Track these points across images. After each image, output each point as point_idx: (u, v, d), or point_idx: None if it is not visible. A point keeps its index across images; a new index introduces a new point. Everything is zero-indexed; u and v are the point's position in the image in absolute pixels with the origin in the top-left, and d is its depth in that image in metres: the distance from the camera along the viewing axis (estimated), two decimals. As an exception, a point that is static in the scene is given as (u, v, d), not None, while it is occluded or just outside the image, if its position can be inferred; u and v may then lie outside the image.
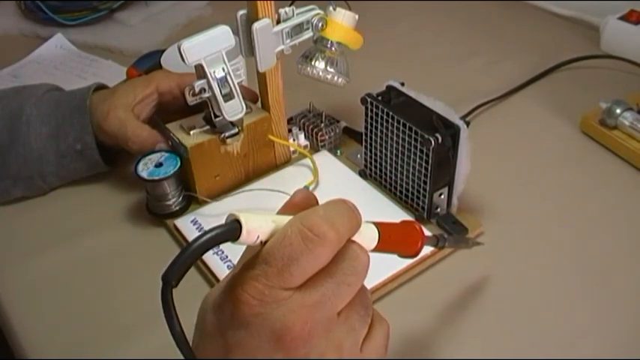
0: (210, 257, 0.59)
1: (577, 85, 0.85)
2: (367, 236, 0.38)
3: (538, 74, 0.87)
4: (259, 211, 0.35)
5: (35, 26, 1.02)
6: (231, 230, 0.32)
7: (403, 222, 0.41)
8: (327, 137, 0.71)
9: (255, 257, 0.34)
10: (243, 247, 0.58)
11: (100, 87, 0.70)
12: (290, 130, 0.71)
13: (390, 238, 0.39)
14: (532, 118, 0.80)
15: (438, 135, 0.57)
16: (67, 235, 0.64)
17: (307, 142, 0.71)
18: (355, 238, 0.36)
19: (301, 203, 0.38)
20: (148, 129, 0.65)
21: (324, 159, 0.70)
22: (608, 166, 0.71)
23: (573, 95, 0.83)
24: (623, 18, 0.90)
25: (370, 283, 0.55)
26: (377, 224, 0.39)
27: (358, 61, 0.70)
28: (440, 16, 1.04)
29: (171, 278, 0.31)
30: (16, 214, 0.68)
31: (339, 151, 0.72)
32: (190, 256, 0.32)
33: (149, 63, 0.86)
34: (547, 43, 0.95)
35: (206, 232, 0.32)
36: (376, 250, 0.38)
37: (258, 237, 0.33)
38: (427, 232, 0.42)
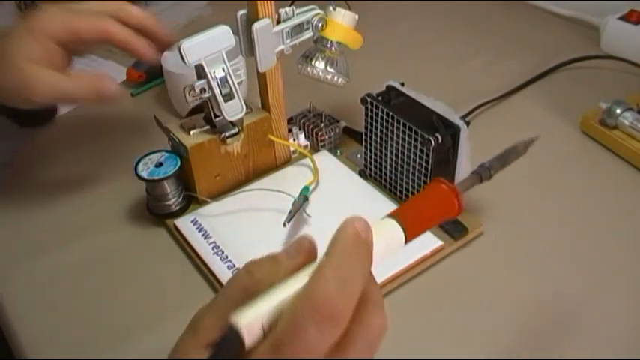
0: (210, 257, 0.59)
1: (577, 85, 0.85)
2: (392, 239, 0.34)
3: (538, 74, 0.87)
4: (259, 298, 0.32)
5: (35, 26, 1.02)
6: (234, 342, 0.30)
7: (429, 188, 0.37)
8: (327, 137, 0.71)
9: (265, 344, 0.30)
10: (245, 248, 0.59)
11: None
12: (290, 130, 0.71)
13: (419, 221, 0.35)
14: (532, 119, 0.80)
15: (438, 135, 0.57)
16: (67, 236, 0.64)
17: (307, 142, 0.71)
18: (380, 247, 0.33)
19: (303, 254, 0.34)
20: (83, 72, 0.58)
21: (324, 159, 0.70)
22: (608, 166, 0.71)
23: (573, 95, 0.83)
24: (623, 18, 0.90)
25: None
26: (398, 216, 0.35)
27: (358, 61, 0.70)
28: (440, 16, 1.04)
29: None
30: (16, 213, 0.68)
31: (339, 151, 0.72)
32: None
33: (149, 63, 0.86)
34: (547, 43, 0.95)
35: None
36: (409, 240, 0.35)
37: (261, 326, 0.31)
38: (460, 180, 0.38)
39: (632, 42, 0.88)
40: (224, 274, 0.57)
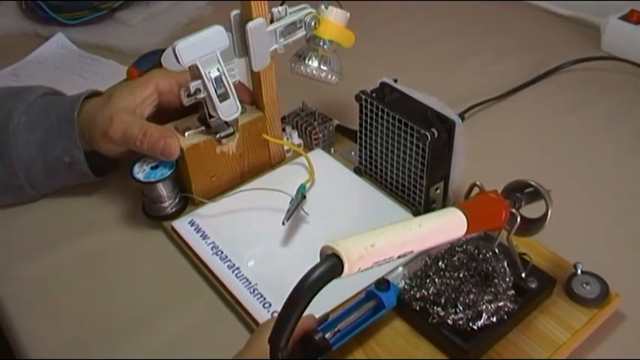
0: (210, 258, 0.59)
1: (577, 86, 0.84)
2: (456, 225, 0.41)
3: (538, 75, 0.86)
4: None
5: (36, 25, 1.03)
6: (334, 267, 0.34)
7: (481, 196, 0.44)
8: (320, 135, 0.71)
9: None
10: (244, 248, 0.59)
11: (93, 94, 0.68)
12: (283, 129, 0.71)
13: (478, 218, 0.42)
14: (532, 118, 0.79)
15: (434, 130, 0.57)
16: (66, 238, 0.65)
17: (301, 141, 0.71)
18: (444, 228, 0.39)
19: None
20: (155, 126, 0.63)
21: (319, 157, 0.69)
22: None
23: (573, 96, 0.82)
24: (624, 18, 0.89)
25: (363, 284, 0.55)
26: (463, 207, 0.41)
27: (354, 60, 0.70)
28: (439, 16, 1.04)
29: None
30: (16, 215, 0.68)
31: (332, 149, 0.72)
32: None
33: (149, 62, 0.87)
34: (547, 43, 0.95)
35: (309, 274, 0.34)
36: (467, 234, 0.42)
37: (359, 269, 0.35)
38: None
39: (633, 42, 0.87)
40: (224, 274, 0.57)
